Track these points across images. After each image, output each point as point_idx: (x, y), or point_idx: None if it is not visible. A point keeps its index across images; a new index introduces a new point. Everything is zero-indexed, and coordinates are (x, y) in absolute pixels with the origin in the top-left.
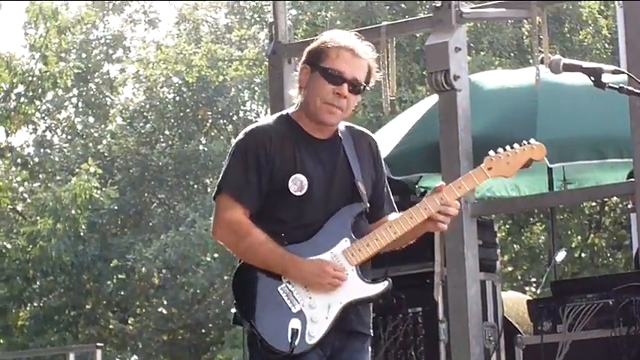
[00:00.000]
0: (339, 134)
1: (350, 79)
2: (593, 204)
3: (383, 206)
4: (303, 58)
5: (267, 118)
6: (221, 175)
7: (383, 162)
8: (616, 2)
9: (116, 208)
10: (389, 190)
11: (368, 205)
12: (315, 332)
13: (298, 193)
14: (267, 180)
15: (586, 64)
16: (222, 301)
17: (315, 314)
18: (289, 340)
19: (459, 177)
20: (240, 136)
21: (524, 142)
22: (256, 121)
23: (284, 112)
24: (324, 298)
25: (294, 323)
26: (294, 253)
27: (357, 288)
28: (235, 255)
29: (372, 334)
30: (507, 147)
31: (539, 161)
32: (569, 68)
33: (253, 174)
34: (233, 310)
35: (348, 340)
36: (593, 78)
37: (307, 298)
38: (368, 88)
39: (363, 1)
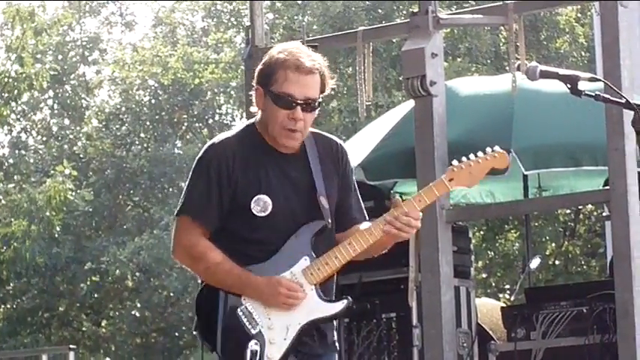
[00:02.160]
0: (304, 143)
1: (302, 100)
2: (568, 211)
3: (351, 213)
4: (255, 77)
5: (232, 130)
6: (183, 194)
7: (351, 168)
8: (593, 10)
9: (91, 210)
10: (358, 196)
11: (329, 221)
12: (274, 354)
13: (262, 214)
14: (229, 199)
15: (562, 72)
16: None
17: (274, 336)
18: None
19: None
20: (203, 151)
21: (488, 149)
22: (230, 126)
23: (251, 122)
24: (283, 319)
25: (253, 345)
26: (255, 273)
27: (317, 308)
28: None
29: (338, 350)
30: (471, 155)
31: (503, 169)
32: (545, 75)
33: (214, 194)
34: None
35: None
36: (569, 85)
37: (266, 319)
38: (324, 101)
39: (340, 2)
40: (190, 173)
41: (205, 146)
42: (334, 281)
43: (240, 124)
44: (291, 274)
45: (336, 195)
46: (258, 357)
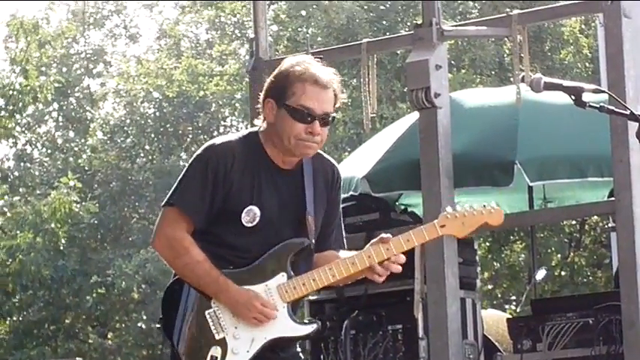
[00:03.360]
0: (302, 162)
1: (320, 114)
2: (574, 222)
3: (329, 239)
4: (265, 90)
5: (234, 135)
6: (175, 186)
7: (340, 196)
8: (597, 21)
9: (96, 222)
10: (342, 226)
11: (313, 241)
12: None
13: (249, 225)
14: (220, 202)
15: (567, 83)
16: None
17: (237, 346)
18: None
19: (439, 195)
20: (203, 149)
21: (485, 204)
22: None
23: (254, 130)
24: (250, 330)
25: (215, 351)
26: (229, 278)
27: (285, 326)
28: (172, 269)
29: (301, 357)
30: (466, 206)
31: (495, 227)
32: (550, 87)
33: (208, 192)
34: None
35: None
36: (573, 97)
37: (233, 328)
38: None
39: (344, 15)
40: (186, 168)
41: (205, 145)
42: (303, 302)
43: (243, 130)
44: (265, 287)
45: (323, 216)
46: None
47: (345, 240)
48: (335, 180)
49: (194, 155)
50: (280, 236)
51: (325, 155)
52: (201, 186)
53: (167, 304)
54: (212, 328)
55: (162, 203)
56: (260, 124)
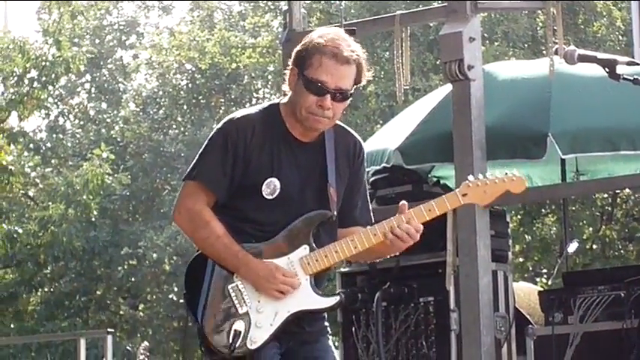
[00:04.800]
0: (324, 133)
1: (333, 89)
2: (605, 195)
3: (353, 214)
4: (293, 58)
5: (254, 108)
6: (195, 160)
7: (365, 169)
8: None
9: (128, 194)
10: (367, 198)
11: (335, 213)
12: (258, 338)
13: (269, 197)
14: (240, 175)
15: (601, 56)
16: None
17: (261, 319)
18: (230, 341)
19: (471, 167)
20: (222, 123)
21: (507, 172)
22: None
23: (275, 102)
24: (273, 304)
25: (238, 325)
26: (251, 252)
27: (308, 299)
28: (193, 243)
29: (329, 333)
30: (488, 174)
31: (518, 194)
32: (584, 59)
33: (228, 166)
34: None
35: (303, 346)
36: (607, 69)
37: (256, 302)
38: (361, 86)
39: None
40: (206, 142)
41: (225, 119)
42: (328, 275)
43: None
44: (288, 261)
45: (345, 190)
46: (241, 337)
47: (372, 215)
48: (357, 153)
49: (214, 129)
50: (302, 209)
51: (348, 129)
52: (222, 159)
53: (190, 279)
54: (235, 302)
55: (183, 177)
56: (286, 90)
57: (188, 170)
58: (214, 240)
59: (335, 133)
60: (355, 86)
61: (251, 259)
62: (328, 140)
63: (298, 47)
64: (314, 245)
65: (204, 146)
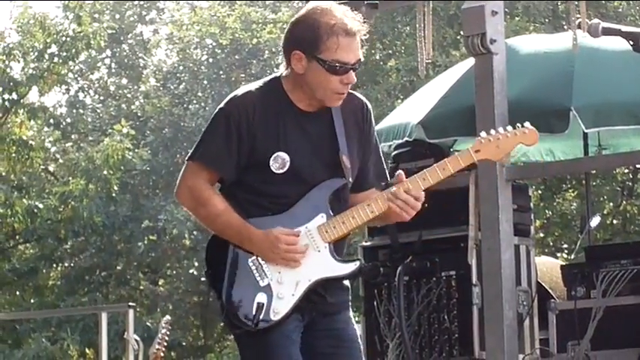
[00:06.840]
0: None
1: (354, 63)
2: (626, 170)
3: (369, 175)
4: (289, 39)
5: (255, 84)
6: (198, 141)
7: (374, 128)
8: None
9: (148, 169)
10: (381, 157)
11: (350, 180)
12: (280, 309)
13: (280, 171)
14: (247, 154)
15: (625, 28)
16: None
17: (282, 290)
18: (253, 314)
19: None
20: (224, 103)
21: (518, 125)
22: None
23: (276, 75)
24: (293, 274)
25: (261, 297)
26: (269, 225)
27: (328, 266)
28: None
29: (349, 306)
30: (500, 129)
31: (531, 146)
32: (608, 32)
33: (233, 143)
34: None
35: (325, 317)
36: (632, 42)
37: (276, 273)
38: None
39: None
40: (209, 122)
41: (227, 98)
42: (346, 242)
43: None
44: (306, 230)
45: (358, 155)
46: (264, 310)
47: (387, 174)
48: (365, 113)
49: (217, 108)
50: (316, 178)
51: (351, 92)
52: (225, 138)
53: (211, 255)
54: (256, 275)
55: (186, 157)
56: (282, 70)
57: (191, 151)
58: (215, 217)
59: None
60: None
61: (253, 232)
62: (334, 107)
63: (296, 27)
64: (330, 213)
65: (207, 127)
